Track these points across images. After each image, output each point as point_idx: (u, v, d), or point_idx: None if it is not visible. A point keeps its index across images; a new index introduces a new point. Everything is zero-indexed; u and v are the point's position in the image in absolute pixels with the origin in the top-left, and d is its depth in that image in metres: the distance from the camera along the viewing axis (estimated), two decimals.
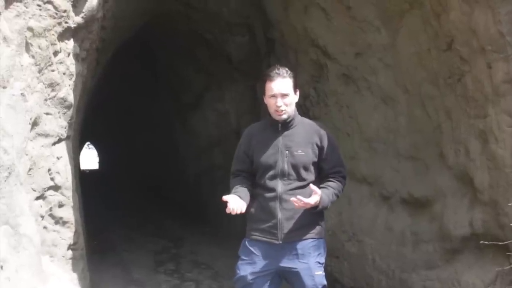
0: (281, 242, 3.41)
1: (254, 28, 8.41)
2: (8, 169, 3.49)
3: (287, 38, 7.09)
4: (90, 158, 31.77)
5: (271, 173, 3.44)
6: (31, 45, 4.06)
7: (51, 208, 4.46)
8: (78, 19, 4.69)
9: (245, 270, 3.47)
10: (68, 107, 4.67)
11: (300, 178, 3.44)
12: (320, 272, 3.44)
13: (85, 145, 26.02)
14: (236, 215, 3.37)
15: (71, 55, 4.72)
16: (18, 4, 3.87)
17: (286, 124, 3.50)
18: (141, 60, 13.24)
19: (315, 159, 3.48)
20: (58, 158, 4.58)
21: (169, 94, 12.85)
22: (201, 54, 10.17)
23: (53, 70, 4.36)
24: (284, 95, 3.43)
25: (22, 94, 3.85)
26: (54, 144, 4.51)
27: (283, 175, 3.43)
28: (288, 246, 3.42)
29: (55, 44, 4.36)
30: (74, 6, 4.58)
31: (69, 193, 4.67)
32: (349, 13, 5.83)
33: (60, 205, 4.56)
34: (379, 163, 5.88)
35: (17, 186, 3.59)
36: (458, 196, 4.84)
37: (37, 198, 4.27)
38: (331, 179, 3.50)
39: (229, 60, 9.38)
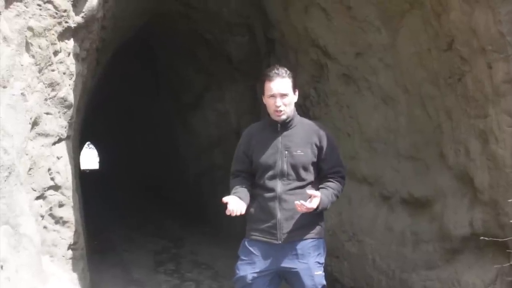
0: (280, 242, 3.41)
1: (254, 28, 8.40)
2: (8, 169, 3.48)
3: (287, 38, 7.09)
4: (90, 158, 31.79)
5: (270, 173, 3.44)
6: (31, 44, 4.06)
7: (51, 208, 4.46)
8: (78, 19, 4.69)
9: (245, 270, 3.46)
10: (68, 107, 4.66)
11: (299, 178, 3.43)
12: (319, 272, 3.44)
13: (85, 145, 26.02)
14: (236, 216, 3.37)
15: (71, 55, 4.72)
16: (18, 3, 3.87)
17: (286, 124, 3.50)
18: (141, 60, 13.24)
19: (314, 159, 3.47)
20: (58, 158, 4.58)
21: (169, 94, 12.85)
22: (201, 54, 10.18)
23: (53, 70, 4.36)
24: (283, 95, 3.43)
25: (22, 94, 3.85)
26: (54, 144, 4.51)
27: (282, 175, 3.43)
28: (287, 246, 3.41)
29: (55, 43, 4.36)
30: (74, 5, 4.58)
31: (69, 193, 4.67)
32: (349, 13, 5.83)
33: (60, 205, 4.56)
34: (379, 163, 5.88)
35: (17, 186, 3.58)
36: (458, 196, 4.84)
37: (37, 198, 4.27)
38: (330, 179, 3.49)
39: (229, 60, 9.38)
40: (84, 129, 9.63)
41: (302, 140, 3.47)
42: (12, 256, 3.39)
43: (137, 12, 8.23)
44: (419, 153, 5.36)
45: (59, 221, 4.54)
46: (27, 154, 4.02)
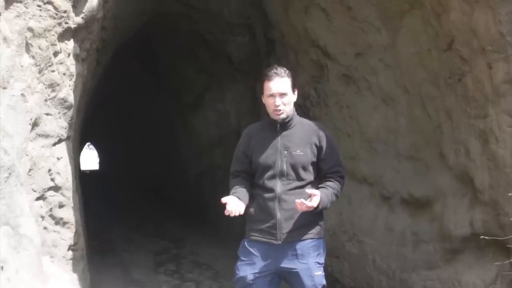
0: (280, 243, 3.41)
1: (254, 28, 8.41)
2: (9, 170, 3.49)
3: (288, 39, 7.09)
4: (90, 159, 31.79)
5: (270, 173, 3.44)
6: (31, 45, 4.06)
7: (51, 208, 4.46)
8: (78, 19, 4.69)
9: (245, 270, 3.46)
10: (68, 108, 4.67)
11: (299, 178, 3.43)
12: (319, 273, 3.44)
13: (86, 146, 26.03)
14: (235, 216, 3.37)
15: (71, 56, 4.72)
16: (18, 4, 3.87)
17: (285, 124, 3.50)
18: (141, 60, 13.25)
19: (314, 159, 3.47)
20: (58, 159, 4.58)
21: (170, 94, 12.86)
22: (202, 54, 10.19)
23: (53, 71, 4.36)
24: (282, 95, 3.43)
25: (22, 95, 3.85)
26: (54, 144, 4.51)
27: (282, 175, 3.43)
28: (287, 247, 3.41)
29: (55, 44, 4.36)
30: (74, 6, 4.58)
31: (69, 193, 4.67)
32: (349, 14, 5.83)
33: (61, 206, 4.56)
34: (379, 163, 5.88)
35: (17, 186, 3.59)
36: (458, 196, 4.84)
37: (38, 198, 4.27)
38: (330, 179, 3.49)
39: (229, 60, 9.39)
40: (84, 130, 9.64)
41: (302, 140, 3.47)
42: (12, 256, 3.39)
43: (137, 12, 8.23)
44: (419, 153, 5.36)
45: (59, 221, 4.54)
46: (27, 155, 4.02)
